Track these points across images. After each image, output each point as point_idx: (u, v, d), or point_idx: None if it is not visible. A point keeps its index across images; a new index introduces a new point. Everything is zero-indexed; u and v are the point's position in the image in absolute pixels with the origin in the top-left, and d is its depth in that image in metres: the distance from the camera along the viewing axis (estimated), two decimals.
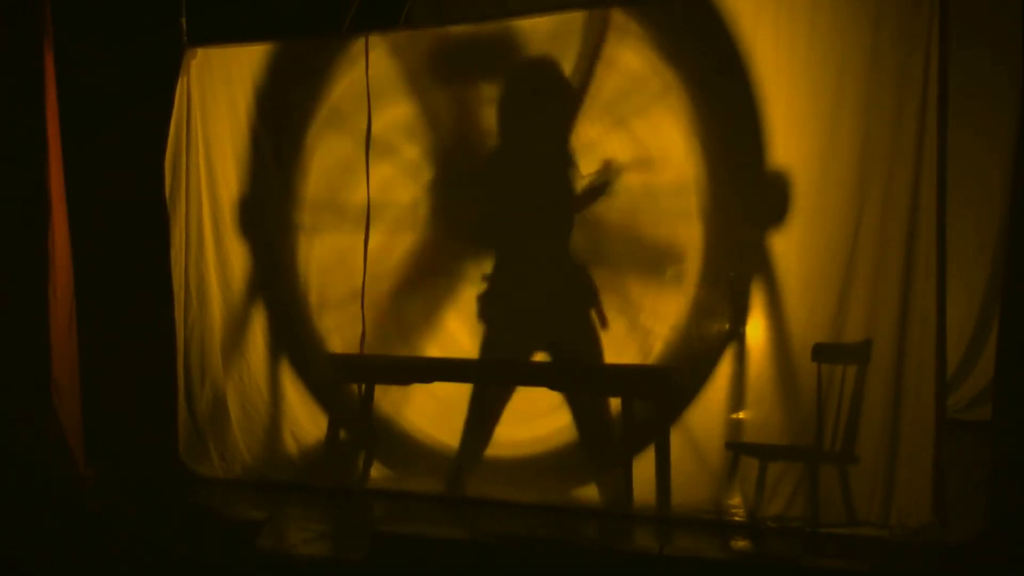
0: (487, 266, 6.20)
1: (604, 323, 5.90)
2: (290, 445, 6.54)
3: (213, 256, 6.68)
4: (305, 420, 6.53)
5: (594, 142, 5.94)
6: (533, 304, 6.10)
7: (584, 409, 6.01)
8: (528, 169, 6.12)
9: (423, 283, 6.37)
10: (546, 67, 6.02)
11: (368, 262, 6.32)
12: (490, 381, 6.19)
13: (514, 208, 6.18)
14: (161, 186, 6.64)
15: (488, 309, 6.20)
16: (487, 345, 6.21)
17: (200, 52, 6.66)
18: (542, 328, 6.12)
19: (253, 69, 6.61)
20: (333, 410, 6.45)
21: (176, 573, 4.49)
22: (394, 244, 6.40)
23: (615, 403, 5.84)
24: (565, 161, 5.98)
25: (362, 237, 6.34)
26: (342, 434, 6.42)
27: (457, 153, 6.30)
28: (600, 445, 5.96)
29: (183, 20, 6.59)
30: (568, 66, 5.97)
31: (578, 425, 6.01)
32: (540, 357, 6.18)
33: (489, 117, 6.20)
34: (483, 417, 6.19)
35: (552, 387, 5.94)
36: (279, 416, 6.59)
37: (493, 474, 6.09)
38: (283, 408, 6.59)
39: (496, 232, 6.25)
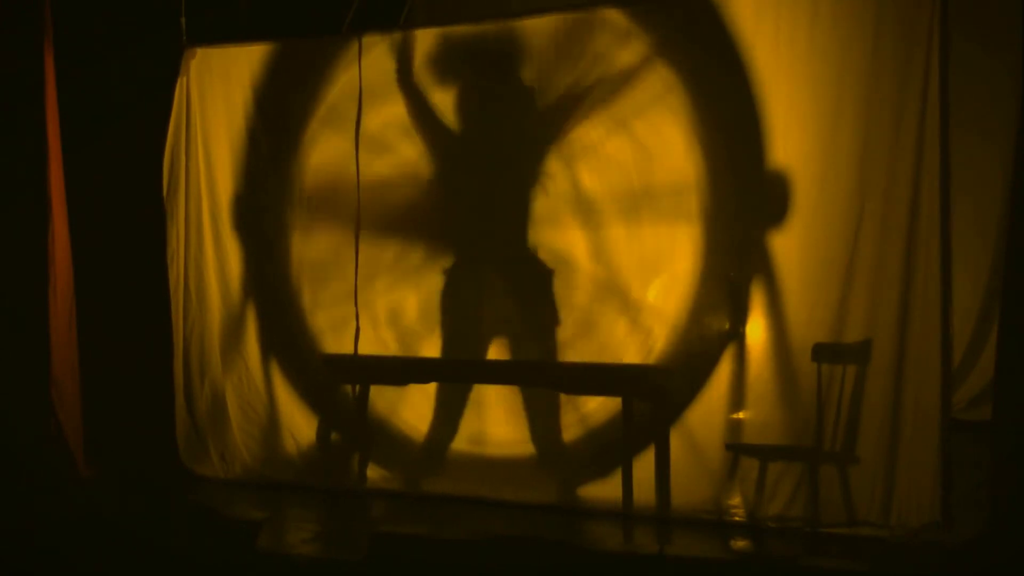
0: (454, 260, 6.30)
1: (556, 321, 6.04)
2: (289, 445, 6.55)
3: (212, 255, 6.69)
4: (304, 420, 6.53)
5: (595, 142, 5.94)
6: (491, 299, 6.21)
7: (534, 406, 6.07)
8: (492, 168, 6.22)
9: (418, 282, 6.38)
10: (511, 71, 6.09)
11: (362, 261, 6.32)
12: (487, 381, 6.19)
13: (479, 205, 6.26)
14: (161, 186, 6.66)
15: (449, 301, 6.30)
16: (446, 336, 6.32)
17: (199, 52, 6.68)
18: (498, 322, 6.22)
19: (252, 69, 6.62)
20: (323, 412, 6.44)
21: (176, 573, 4.48)
22: (388, 243, 6.40)
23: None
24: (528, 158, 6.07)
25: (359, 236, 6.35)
26: (334, 436, 6.42)
27: (453, 153, 6.30)
28: (548, 440, 6.04)
29: (183, 20, 6.59)
30: (568, 66, 5.97)
31: (529, 421, 6.09)
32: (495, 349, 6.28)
33: (487, 117, 6.21)
34: (449, 409, 6.24)
35: (552, 387, 5.93)
36: (278, 416, 6.59)
37: (493, 474, 6.09)
38: (282, 408, 6.60)
39: (462, 226, 6.35)
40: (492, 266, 6.26)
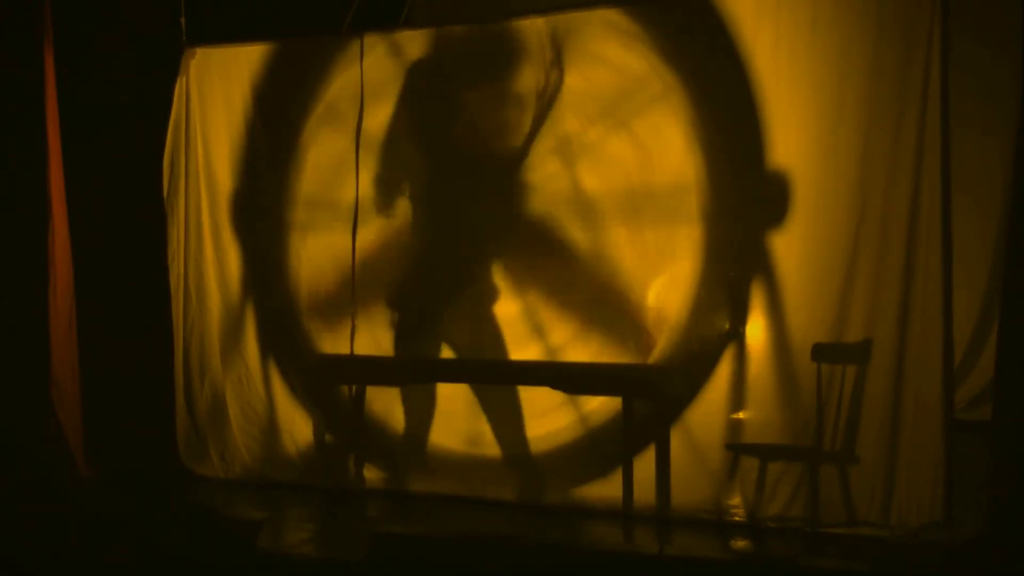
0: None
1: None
2: (289, 445, 6.54)
3: (211, 255, 6.70)
4: (303, 420, 6.53)
5: (594, 142, 5.94)
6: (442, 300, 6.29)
7: (495, 404, 6.12)
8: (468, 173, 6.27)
9: (419, 282, 6.38)
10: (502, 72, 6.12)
11: (360, 261, 6.32)
12: (485, 381, 6.19)
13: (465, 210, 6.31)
14: (161, 186, 6.66)
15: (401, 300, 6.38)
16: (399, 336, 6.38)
17: (199, 52, 6.68)
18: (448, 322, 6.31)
19: (251, 69, 6.62)
20: (320, 412, 6.44)
21: (176, 573, 4.49)
22: (386, 243, 6.40)
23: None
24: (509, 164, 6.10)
25: (359, 236, 6.35)
26: (329, 437, 6.42)
27: (453, 153, 6.31)
28: (512, 439, 6.07)
29: (183, 20, 6.59)
30: (568, 66, 5.97)
31: (489, 419, 6.13)
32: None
33: (487, 117, 6.21)
34: (418, 405, 6.28)
35: (552, 387, 5.93)
36: (278, 416, 6.58)
37: (492, 473, 6.09)
38: (282, 408, 6.59)
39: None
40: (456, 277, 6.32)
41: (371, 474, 6.35)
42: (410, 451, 6.30)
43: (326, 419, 6.43)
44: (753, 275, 5.49)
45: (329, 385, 6.46)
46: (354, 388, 6.37)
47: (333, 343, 6.47)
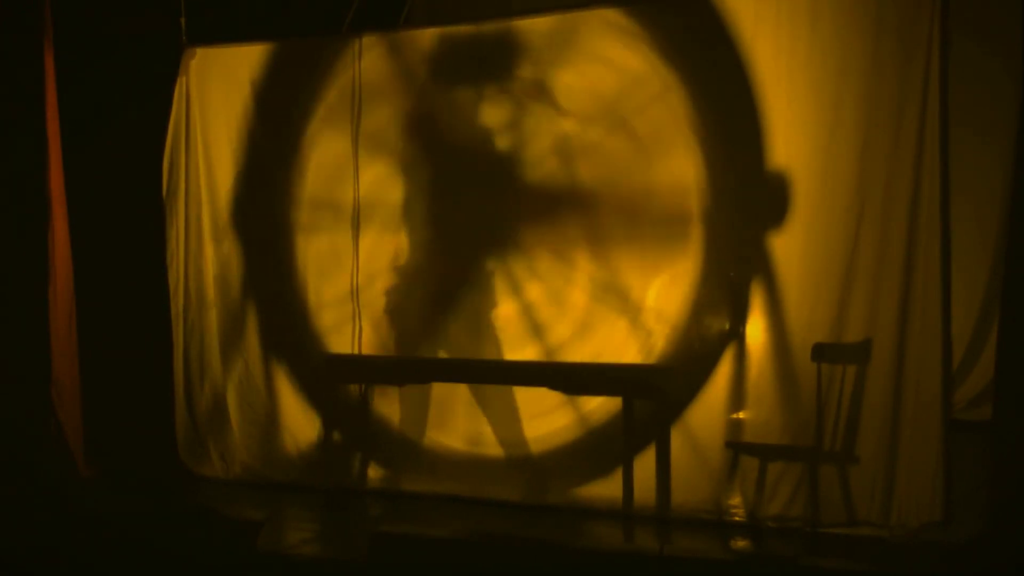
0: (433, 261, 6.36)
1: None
2: (289, 445, 6.54)
3: (211, 256, 6.70)
4: (304, 420, 6.53)
5: (594, 142, 5.94)
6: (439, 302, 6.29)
7: (493, 406, 6.15)
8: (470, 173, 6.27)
9: (419, 282, 6.38)
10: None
11: (363, 261, 6.32)
12: (487, 381, 6.19)
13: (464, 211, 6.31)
14: (160, 186, 6.66)
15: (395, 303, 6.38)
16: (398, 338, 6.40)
17: (199, 52, 6.68)
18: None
19: (251, 69, 6.62)
20: (326, 411, 6.44)
21: (176, 573, 4.49)
22: (389, 243, 6.40)
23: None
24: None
25: (360, 236, 6.34)
26: (336, 435, 6.42)
27: (453, 153, 6.31)
28: (512, 439, 6.09)
29: (183, 20, 6.59)
30: (568, 66, 5.97)
31: (488, 421, 6.16)
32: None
33: (486, 117, 6.21)
34: (415, 408, 6.29)
35: (551, 387, 5.93)
36: (278, 416, 6.58)
37: (492, 473, 6.09)
38: (282, 408, 6.59)
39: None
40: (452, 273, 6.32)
41: (373, 474, 6.35)
42: (406, 448, 6.30)
43: (332, 419, 6.43)
44: (753, 275, 5.49)
45: (333, 385, 6.45)
46: (363, 388, 6.36)
47: (334, 344, 6.48)
